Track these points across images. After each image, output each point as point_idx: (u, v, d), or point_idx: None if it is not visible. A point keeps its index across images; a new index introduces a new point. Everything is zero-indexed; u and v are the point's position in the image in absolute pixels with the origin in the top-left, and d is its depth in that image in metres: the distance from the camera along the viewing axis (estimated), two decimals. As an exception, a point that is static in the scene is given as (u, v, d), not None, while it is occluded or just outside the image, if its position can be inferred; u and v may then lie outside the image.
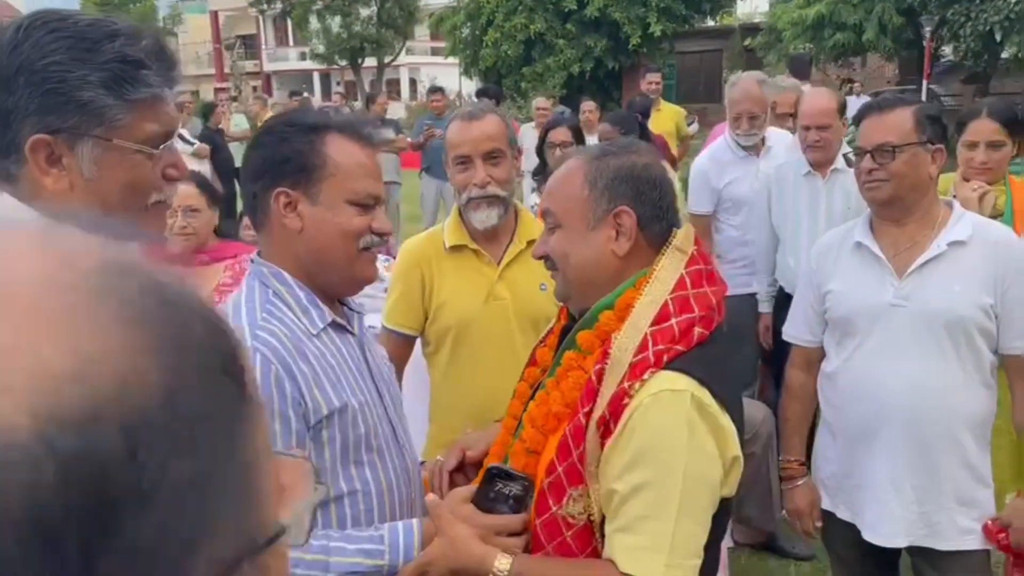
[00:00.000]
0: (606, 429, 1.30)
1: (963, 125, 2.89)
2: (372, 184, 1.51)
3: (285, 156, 1.47)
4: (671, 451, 1.28)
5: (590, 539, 1.34)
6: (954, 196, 2.60)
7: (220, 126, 9.53)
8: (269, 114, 10.82)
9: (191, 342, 0.37)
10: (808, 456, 2.41)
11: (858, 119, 2.26)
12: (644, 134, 4.77)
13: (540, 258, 1.53)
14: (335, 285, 1.55)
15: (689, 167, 7.76)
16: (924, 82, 16.16)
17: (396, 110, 24.69)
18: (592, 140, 7.31)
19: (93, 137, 1.15)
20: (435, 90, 8.99)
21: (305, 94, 14.68)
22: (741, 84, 3.88)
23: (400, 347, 2.35)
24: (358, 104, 23.20)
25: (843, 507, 2.23)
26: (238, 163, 9.89)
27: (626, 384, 1.29)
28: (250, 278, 1.52)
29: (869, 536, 2.14)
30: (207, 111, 9.32)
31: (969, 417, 2.08)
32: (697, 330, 1.35)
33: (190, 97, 10.87)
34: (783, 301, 3.29)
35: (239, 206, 10.33)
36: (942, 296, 2.05)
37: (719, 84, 24.73)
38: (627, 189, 1.42)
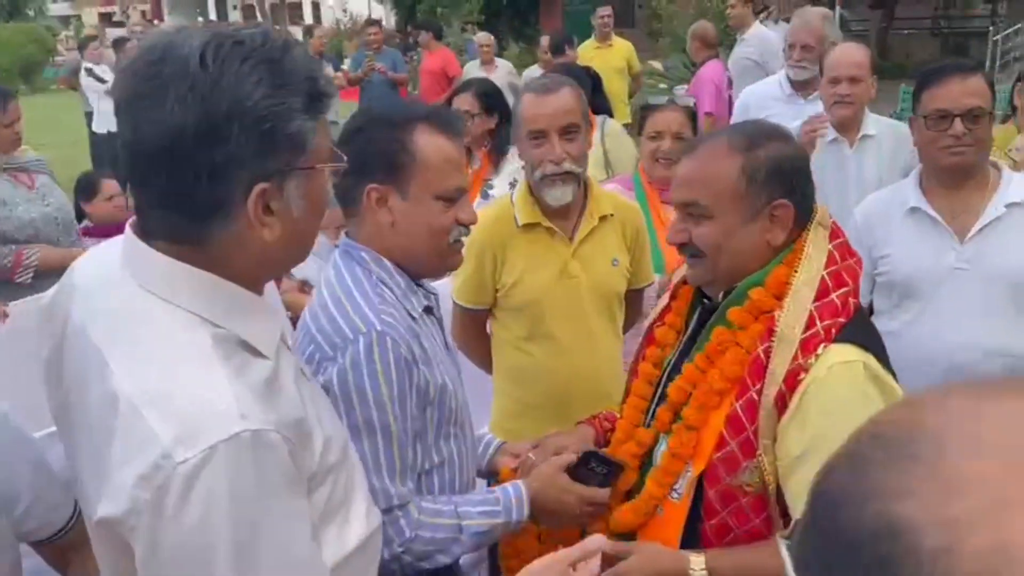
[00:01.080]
0: (783, 404, 1.35)
1: None
2: (459, 177, 1.55)
3: (376, 152, 1.51)
4: (850, 423, 1.33)
5: (764, 506, 1.41)
6: (1012, 148, 2.71)
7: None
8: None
9: None
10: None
11: (924, 82, 2.26)
12: (597, 87, 4.36)
13: (678, 245, 1.52)
14: (422, 272, 1.61)
15: (635, 105, 7.79)
16: (837, 8, 16.47)
17: (298, 36, 23.56)
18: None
19: (299, 169, 1.02)
20: (372, 23, 8.61)
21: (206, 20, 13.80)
22: (802, 15, 3.93)
23: (475, 321, 2.34)
24: (278, 27, 21.79)
25: None
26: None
27: (801, 360, 1.35)
28: (347, 261, 1.55)
29: None
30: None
31: None
32: (852, 301, 1.42)
33: (87, 26, 10.05)
34: None
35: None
36: (1005, 258, 2.14)
37: (632, 8, 24.62)
38: (783, 182, 1.44)
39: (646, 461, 1.59)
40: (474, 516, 1.52)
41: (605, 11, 7.53)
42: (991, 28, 15.30)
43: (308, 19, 36.98)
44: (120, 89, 0.98)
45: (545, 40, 7.67)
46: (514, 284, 2.21)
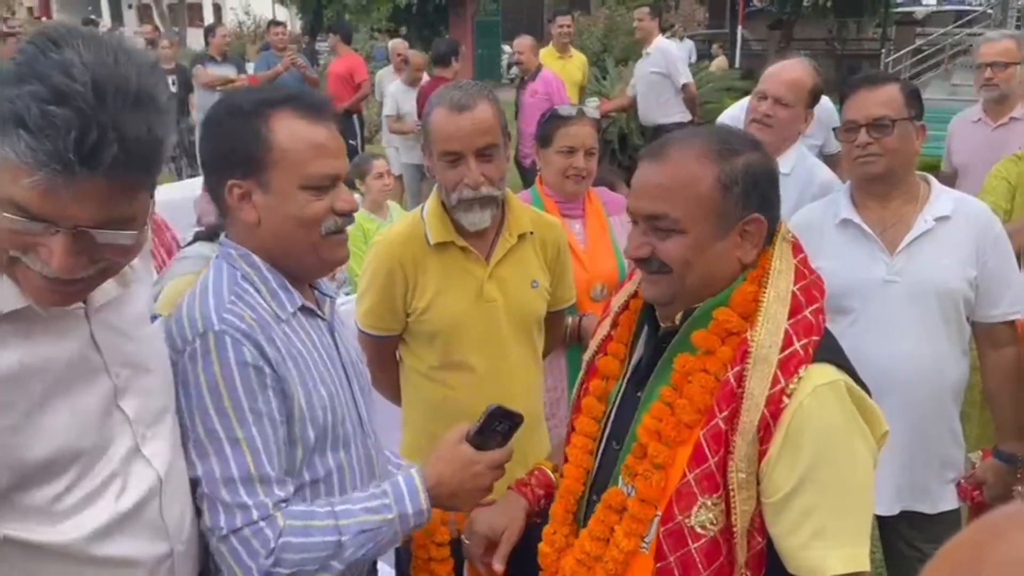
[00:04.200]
0: (766, 433, 1.23)
1: None
2: (327, 164, 1.40)
3: (230, 146, 1.40)
4: (846, 448, 1.25)
5: (718, 553, 1.26)
6: None
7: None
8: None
9: None
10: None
11: (843, 94, 2.23)
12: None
13: (640, 259, 1.36)
14: (303, 271, 1.47)
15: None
16: (739, 27, 16.97)
17: (199, 39, 22.69)
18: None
19: None
20: (277, 23, 8.27)
21: (101, 22, 13.10)
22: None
23: (383, 349, 2.12)
24: (176, 28, 20.98)
25: None
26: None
27: (782, 382, 1.23)
28: (218, 259, 1.46)
29: None
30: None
31: (954, 385, 2.19)
32: (821, 317, 1.33)
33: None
34: None
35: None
36: (934, 270, 2.11)
37: (541, 21, 24.85)
38: (758, 195, 1.32)
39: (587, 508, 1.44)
40: (356, 514, 1.36)
41: (565, 20, 7.22)
42: (882, 51, 16.04)
43: (209, 20, 35.79)
44: None
45: (415, 57, 7.27)
46: (426, 308, 2.01)
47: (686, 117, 6.74)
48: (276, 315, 1.39)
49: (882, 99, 2.13)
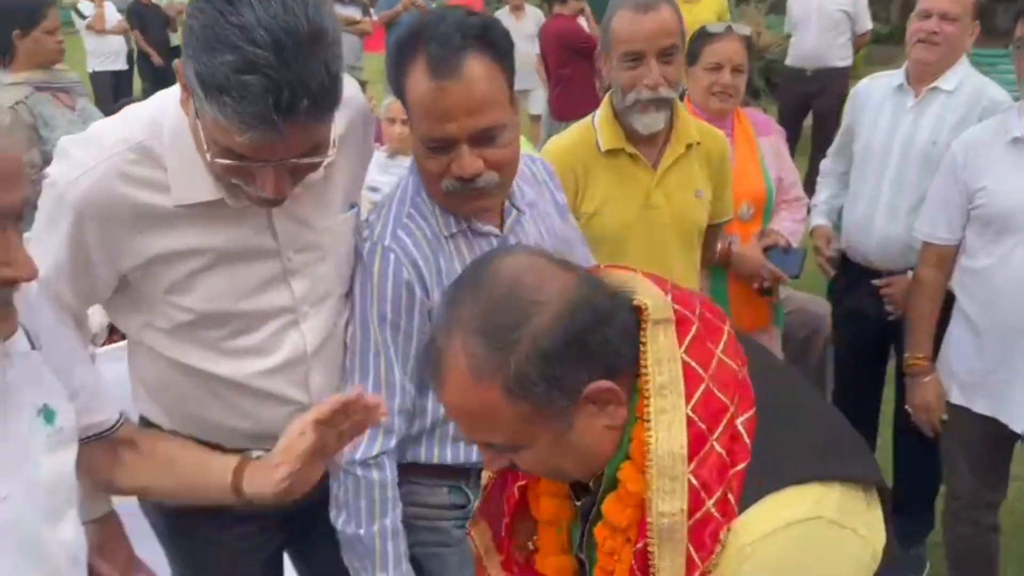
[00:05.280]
0: None
1: None
2: (435, 127, 1.40)
3: (391, 77, 1.47)
4: None
5: None
6: None
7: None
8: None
9: None
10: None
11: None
12: None
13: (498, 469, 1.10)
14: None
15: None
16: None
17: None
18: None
19: None
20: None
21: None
22: None
23: None
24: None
25: (982, 401, 2.26)
26: (177, 40, 9.14)
27: (700, 567, 0.92)
28: (410, 169, 1.56)
29: (1021, 428, 2.20)
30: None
31: None
32: (741, 423, 0.95)
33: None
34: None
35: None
36: None
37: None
38: (575, 360, 0.93)
39: None
40: (388, 553, 1.48)
41: None
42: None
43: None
44: None
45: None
46: (594, 214, 2.09)
47: (849, 63, 6.28)
48: (441, 232, 1.51)
49: None
